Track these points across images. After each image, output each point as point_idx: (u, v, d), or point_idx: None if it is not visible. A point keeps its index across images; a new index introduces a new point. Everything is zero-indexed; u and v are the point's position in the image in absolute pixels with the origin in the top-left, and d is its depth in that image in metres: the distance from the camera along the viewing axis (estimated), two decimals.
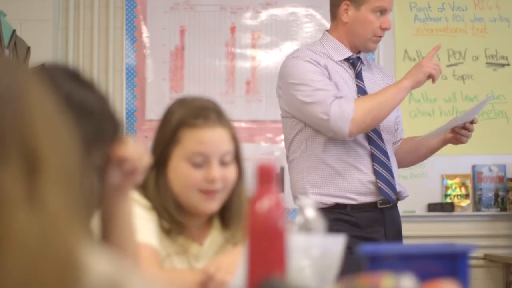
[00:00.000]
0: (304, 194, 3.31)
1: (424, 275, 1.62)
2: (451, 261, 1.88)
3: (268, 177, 1.47)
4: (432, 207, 5.20)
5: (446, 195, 5.24)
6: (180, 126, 2.25)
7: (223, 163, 2.26)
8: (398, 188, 3.41)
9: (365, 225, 3.32)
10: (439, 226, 5.17)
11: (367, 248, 1.85)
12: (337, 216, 3.29)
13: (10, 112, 0.95)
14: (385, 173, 3.35)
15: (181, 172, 2.24)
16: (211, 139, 2.24)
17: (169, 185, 2.26)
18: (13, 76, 0.98)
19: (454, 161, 5.20)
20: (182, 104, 2.30)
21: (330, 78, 3.33)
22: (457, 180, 5.24)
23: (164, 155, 2.26)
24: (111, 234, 1.75)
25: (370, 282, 1.41)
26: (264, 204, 1.46)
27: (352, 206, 3.32)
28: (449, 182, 5.24)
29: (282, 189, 4.69)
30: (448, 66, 5.25)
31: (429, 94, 5.23)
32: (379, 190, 3.33)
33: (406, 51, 5.27)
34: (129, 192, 1.76)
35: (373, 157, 3.35)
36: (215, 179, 2.23)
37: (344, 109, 3.23)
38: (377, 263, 1.83)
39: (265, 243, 1.44)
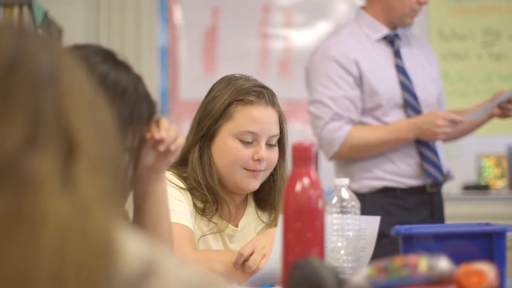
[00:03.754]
0: (351, 178, 3.27)
1: (459, 255, 1.60)
2: (488, 241, 1.86)
3: (305, 156, 1.45)
4: (467, 187, 5.15)
5: (481, 176, 5.19)
6: (234, 101, 2.25)
7: (268, 145, 2.27)
8: (445, 169, 3.36)
9: (414, 209, 3.29)
10: (474, 207, 5.12)
11: (402, 228, 1.83)
12: (387, 200, 3.27)
13: (49, 92, 0.94)
14: (430, 154, 3.30)
15: (229, 148, 2.25)
16: (264, 118, 2.26)
17: (213, 161, 2.27)
18: (51, 55, 0.97)
19: (489, 141, 5.15)
20: (232, 81, 2.30)
21: (360, 70, 3.28)
22: (492, 160, 5.19)
23: (212, 130, 2.26)
24: (146, 214, 1.76)
25: (406, 263, 1.40)
26: (301, 184, 1.45)
27: (401, 189, 3.30)
28: (484, 162, 5.19)
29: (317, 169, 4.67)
30: (483, 45, 5.19)
31: (463, 74, 5.17)
32: (425, 172, 3.29)
33: (441, 30, 5.21)
34: (163, 172, 1.77)
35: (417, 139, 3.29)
36: (263, 158, 2.24)
37: (334, 138, 3.25)
38: (412, 243, 1.82)
39: (301, 223, 1.43)
